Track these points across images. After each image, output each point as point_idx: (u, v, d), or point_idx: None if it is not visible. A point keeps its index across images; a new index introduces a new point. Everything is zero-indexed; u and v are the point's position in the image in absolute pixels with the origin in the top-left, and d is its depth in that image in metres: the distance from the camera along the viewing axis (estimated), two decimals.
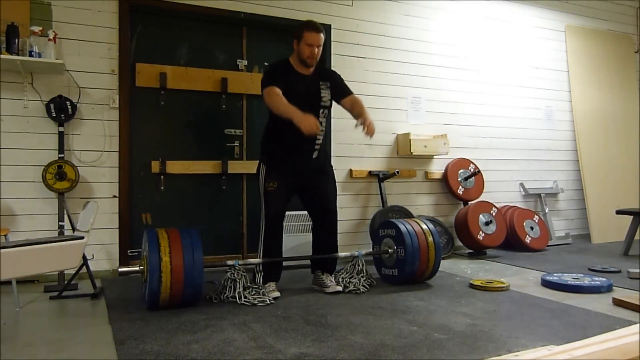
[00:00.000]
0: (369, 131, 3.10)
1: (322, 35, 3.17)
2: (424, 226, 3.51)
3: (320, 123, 3.13)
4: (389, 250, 3.51)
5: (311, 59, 3.16)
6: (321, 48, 3.20)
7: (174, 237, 2.86)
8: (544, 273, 3.73)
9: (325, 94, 3.27)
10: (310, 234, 3.47)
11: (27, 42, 3.37)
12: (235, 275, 3.05)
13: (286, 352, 2.17)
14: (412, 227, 3.46)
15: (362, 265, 3.41)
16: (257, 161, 3.35)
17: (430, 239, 3.44)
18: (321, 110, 3.24)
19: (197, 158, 4.13)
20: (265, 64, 4.38)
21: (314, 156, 3.24)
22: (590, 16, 6.03)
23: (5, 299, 3.03)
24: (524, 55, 5.56)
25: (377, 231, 3.69)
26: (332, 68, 4.48)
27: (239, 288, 3.02)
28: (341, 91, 3.36)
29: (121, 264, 3.77)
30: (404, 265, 3.38)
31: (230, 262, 3.09)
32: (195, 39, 4.17)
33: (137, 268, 2.88)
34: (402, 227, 3.43)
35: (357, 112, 3.27)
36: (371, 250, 3.73)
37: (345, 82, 3.42)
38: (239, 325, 2.55)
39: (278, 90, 3.06)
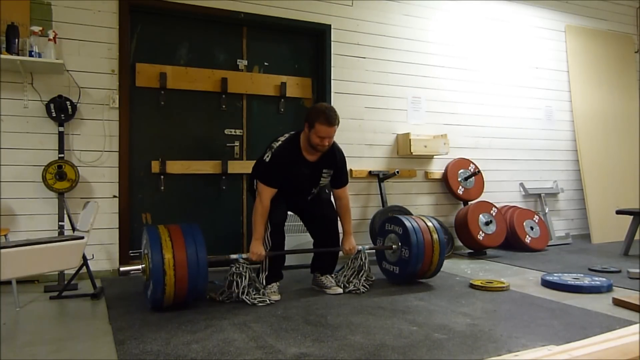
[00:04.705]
0: (347, 253, 3.36)
1: (335, 127, 3.06)
2: (429, 223, 3.49)
3: (313, 192, 3.32)
4: (393, 246, 3.50)
5: (322, 147, 3.08)
6: (333, 138, 3.11)
7: (175, 233, 2.84)
8: (544, 273, 3.73)
9: (325, 180, 3.28)
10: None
11: (27, 42, 3.37)
12: (241, 269, 3.03)
13: (286, 352, 2.17)
14: (419, 225, 3.43)
15: (365, 259, 3.40)
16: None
17: (435, 236, 3.42)
18: (315, 188, 3.31)
19: (197, 158, 4.13)
20: (265, 64, 4.39)
21: (308, 199, 3.36)
22: (590, 16, 6.03)
23: (5, 299, 3.03)
24: (524, 55, 5.56)
25: (383, 224, 3.66)
26: (331, 68, 4.50)
27: (245, 282, 3.00)
28: (338, 181, 3.32)
29: (121, 265, 3.77)
30: (406, 265, 3.37)
31: (233, 256, 3.07)
32: (195, 39, 4.17)
33: (138, 267, 2.87)
34: (409, 225, 3.40)
35: (343, 226, 3.36)
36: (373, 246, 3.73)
37: (346, 170, 3.37)
38: (239, 325, 2.55)
39: (268, 198, 3.07)
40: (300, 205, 3.41)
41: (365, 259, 3.40)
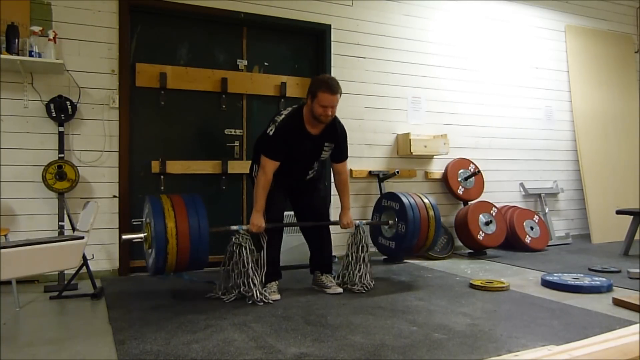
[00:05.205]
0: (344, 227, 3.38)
1: (338, 96, 3.06)
2: (425, 200, 3.53)
3: (314, 167, 3.33)
4: (390, 221, 3.52)
5: (324, 117, 3.07)
6: (336, 107, 3.10)
7: (177, 202, 2.82)
8: (544, 273, 3.73)
9: (326, 154, 3.30)
10: None
11: (27, 42, 3.37)
12: (241, 239, 3.04)
13: (286, 352, 2.17)
14: (415, 201, 3.46)
15: (363, 233, 3.42)
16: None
17: (431, 212, 3.46)
18: (317, 162, 3.33)
19: (197, 158, 4.13)
20: (265, 64, 4.39)
21: (307, 178, 3.35)
22: (590, 16, 6.03)
23: (5, 299, 3.03)
24: (524, 55, 5.56)
25: (380, 200, 3.68)
26: (331, 68, 4.50)
27: (245, 254, 3.00)
28: (338, 155, 3.34)
29: (122, 264, 3.77)
30: (403, 240, 3.41)
31: (234, 227, 3.07)
32: (195, 39, 4.17)
33: (140, 235, 2.85)
34: (406, 201, 3.43)
35: (341, 200, 3.38)
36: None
37: (346, 144, 3.36)
38: (239, 325, 2.55)
39: (271, 171, 3.09)
40: (296, 188, 3.38)
41: (364, 232, 3.43)
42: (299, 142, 3.15)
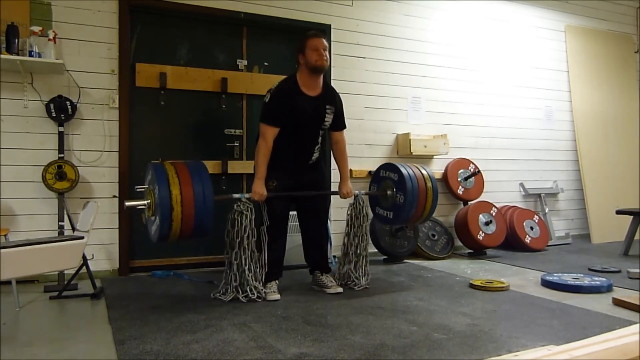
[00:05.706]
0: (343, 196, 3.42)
1: (324, 40, 3.18)
2: (424, 172, 3.55)
3: (318, 142, 3.30)
4: (388, 192, 3.54)
5: (321, 61, 3.11)
6: (327, 52, 3.17)
7: (181, 170, 2.81)
8: (544, 273, 3.73)
9: (329, 119, 3.30)
10: None
11: (27, 42, 3.37)
12: (242, 207, 3.04)
13: (286, 352, 2.17)
14: (414, 172, 3.48)
15: (362, 203, 3.44)
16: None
17: (429, 184, 3.47)
18: (320, 132, 3.32)
19: (197, 158, 4.11)
20: (265, 64, 4.39)
21: (310, 162, 3.32)
22: (590, 16, 6.03)
23: (5, 299, 3.03)
24: (524, 55, 5.56)
25: (379, 171, 3.69)
26: (331, 67, 4.50)
27: (246, 222, 3.00)
28: (337, 123, 3.37)
29: (122, 264, 3.77)
30: (400, 210, 3.42)
31: (236, 195, 3.08)
32: (195, 39, 4.17)
33: (143, 202, 2.84)
34: (404, 172, 3.44)
35: (340, 170, 3.42)
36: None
37: (344, 113, 3.41)
38: (239, 325, 2.55)
39: (271, 138, 3.11)
40: (299, 181, 3.30)
41: (363, 202, 3.45)
42: (298, 106, 3.16)
